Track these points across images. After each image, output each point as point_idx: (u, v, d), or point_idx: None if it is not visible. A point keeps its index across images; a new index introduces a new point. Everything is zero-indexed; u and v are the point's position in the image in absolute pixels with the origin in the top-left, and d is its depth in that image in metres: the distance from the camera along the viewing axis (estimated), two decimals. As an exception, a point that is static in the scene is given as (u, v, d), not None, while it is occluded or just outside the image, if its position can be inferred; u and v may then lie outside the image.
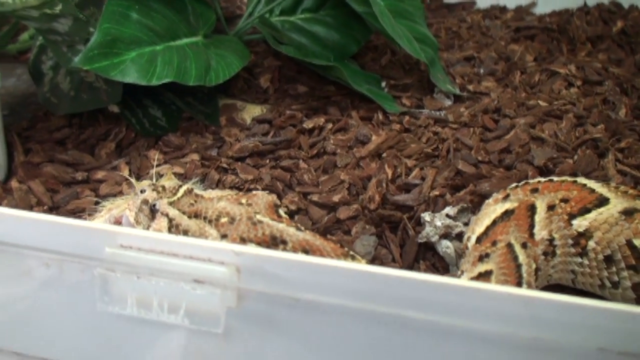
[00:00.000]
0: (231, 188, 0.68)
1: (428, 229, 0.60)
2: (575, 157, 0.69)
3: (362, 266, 0.44)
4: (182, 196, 0.51)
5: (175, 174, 0.70)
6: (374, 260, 0.60)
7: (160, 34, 0.74)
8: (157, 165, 0.71)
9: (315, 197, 0.66)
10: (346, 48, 0.89)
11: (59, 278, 0.45)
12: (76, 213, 0.65)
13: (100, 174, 0.70)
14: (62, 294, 0.46)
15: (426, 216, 0.61)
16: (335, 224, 0.64)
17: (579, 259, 0.55)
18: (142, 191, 0.51)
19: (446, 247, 0.60)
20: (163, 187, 0.52)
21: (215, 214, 0.49)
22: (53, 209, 0.66)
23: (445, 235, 0.60)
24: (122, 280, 0.44)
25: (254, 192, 0.52)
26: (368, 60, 0.96)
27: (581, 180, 0.57)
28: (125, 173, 0.70)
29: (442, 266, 0.61)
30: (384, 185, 0.67)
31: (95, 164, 0.72)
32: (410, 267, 0.61)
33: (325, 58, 0.86)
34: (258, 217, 0.49)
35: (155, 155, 0.73)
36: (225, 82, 0.77)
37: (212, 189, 0.68)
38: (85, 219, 0.59)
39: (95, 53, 0.67)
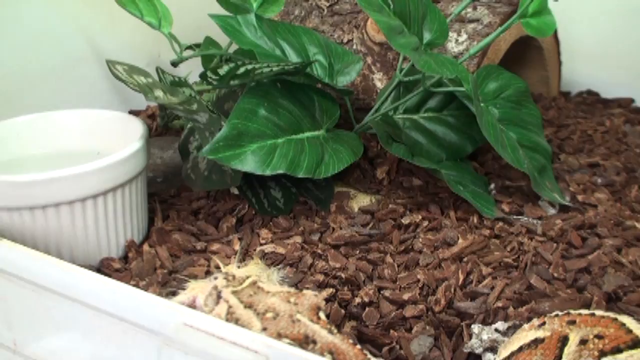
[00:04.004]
0: (320, 273, 0.77)
1: (474, 340, 0.65)
2: (649, 287, 0.70)
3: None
4: (246, 287, 0.60)
5: (276, 253, 0.80)
6: (423, 360, 0.66)
7: (284, 128, 0.84)
8: (264, 244, 0.82)
9: (387, 293, 0.73)
10: (461, 148, 0.95)
11: (132, 345, 0.57)
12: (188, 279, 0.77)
13: (215, 246, 0.82)
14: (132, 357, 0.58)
15: (475, 328, 0.66)
16: (399, 321, 0.71)
17: (605, 396, 0.57)
18: (215, 278, 0.62)
19: (489, 360, 0.64)
20: (233, 276, 0.62)
21: (264, 308, 0.58)
22: (172, 273, 0.78)
23: (491, 349, 0.65)
24: (174, 355, 0.55)
25: (303, 291, 0.61)
26: (489, 158, 1.01)
27: (622, 318, 0.59)
28: (237, 247, 0.82)
29: (488, 376, 0.65)
30: (452, 290, 0.72)
31: (215, 236, 0.84)
32: (458, 373, 0.66)
33: (438, 157, 0.93)
34: (298, 316, 0.57)
35: (265, 234, 0.84)
36: (343, 170, 0.87)
37: (304, 272, 0.78)
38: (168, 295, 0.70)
39: (221, 145, 0.79)
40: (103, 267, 0.78)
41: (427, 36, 0.86)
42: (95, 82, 1.20)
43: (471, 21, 1.01)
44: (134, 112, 1.21)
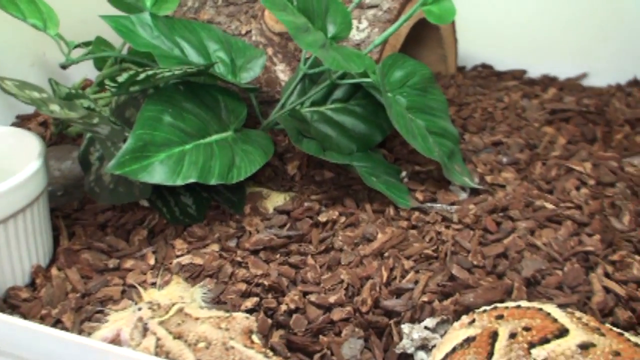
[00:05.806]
0: (242, 282, 0.75)
1: (405, 340, 0.65)
2: (565, 269, 0.72)
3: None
4: (173, 315, 0.58)
5: (194, 264, 0.78)
6: (356, 364, 0.66)
7: (191, 133, 0.81)
8: (180, 256, 0.79)
9: (313, 297, 0.72)
10: (371, 138, 0.95)
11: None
12: (104, 301, 0.73)
13: (129, 263, 0.78)
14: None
15: (405, 328, 0.66)
16: (328, 325, 0.70)
17: (537, 387, 0.58)
18: (139, 308, 0.59)
19: (421, 358, 0.64)
20: (158, 305, 0.59)
21: (195, 338, 0.55)
22: (85, 296, 0.74)
23: (422, 347, 0.65)
24: (103, 398, 0.52)
25: (233, 315, 0.59)
26: (397, 144, 1.01)
27: (547, 308, 0.61)
28: (151, 262, 0.79)
29: (421, 374, 0.66)
30: (378, 288, 0.72)
31: (127, 251, 0.81)
32: (391, 374, 0.66)
33: (349, 149, 0.92)
34: (231, 342, 0.55)
35: (180, 245, 0.81)
36: (254, 169, 0.84)
37: (225, 282, 0.75)
38: (92, 327, 0.67)
39: (127, 158, 0.75)
40: (9, 298, 0.73)
41: (331, 30, 0.84)
42: (-23, 88, 1.11)
43: (370, 7, 1.00)
44: (23, 117, 1.14)
